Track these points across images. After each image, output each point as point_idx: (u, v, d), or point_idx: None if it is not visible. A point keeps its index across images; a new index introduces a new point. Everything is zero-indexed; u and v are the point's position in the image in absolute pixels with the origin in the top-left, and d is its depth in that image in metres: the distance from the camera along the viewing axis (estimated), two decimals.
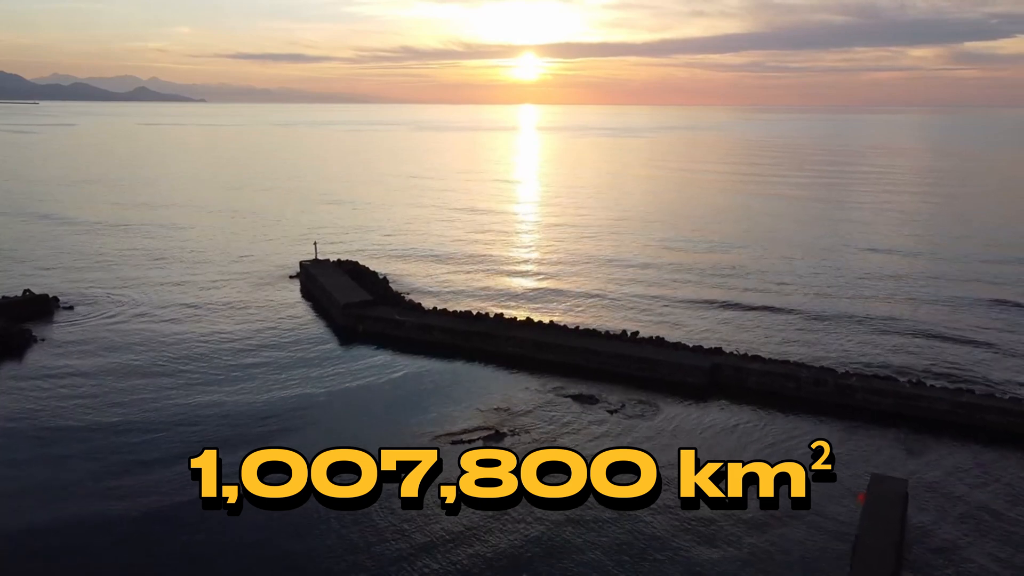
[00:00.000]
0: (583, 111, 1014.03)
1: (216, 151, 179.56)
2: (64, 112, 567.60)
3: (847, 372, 30.62)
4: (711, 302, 43.32)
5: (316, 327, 38.89)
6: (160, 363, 32.59)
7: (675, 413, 28.36)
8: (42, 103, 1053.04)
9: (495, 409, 28.63)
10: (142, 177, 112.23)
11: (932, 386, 29.13)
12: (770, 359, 32.02)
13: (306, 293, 45.68)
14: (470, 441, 25.89)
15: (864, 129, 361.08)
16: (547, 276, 50.28)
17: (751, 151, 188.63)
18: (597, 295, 45.13)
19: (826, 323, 39.28)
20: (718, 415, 28.21)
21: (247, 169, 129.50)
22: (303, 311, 41.81)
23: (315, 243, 51.15)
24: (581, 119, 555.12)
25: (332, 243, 59.52)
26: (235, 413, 27.74)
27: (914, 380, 29.81)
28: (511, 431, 26.61)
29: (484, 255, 56.53)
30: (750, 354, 32.78)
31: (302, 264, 48.86)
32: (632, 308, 42.21)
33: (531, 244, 61.60)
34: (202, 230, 66.62)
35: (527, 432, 26.54)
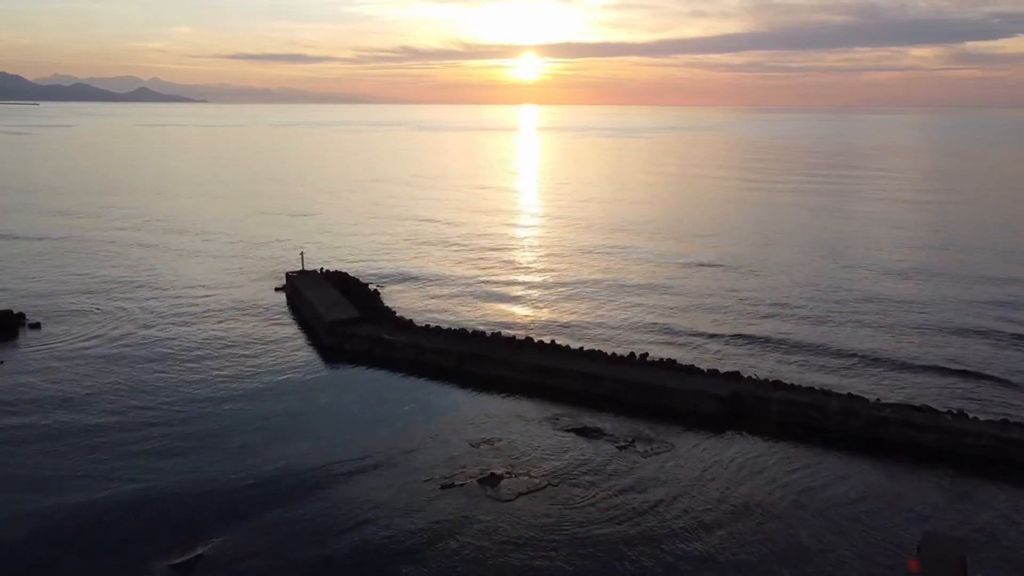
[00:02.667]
0: (583, 111, 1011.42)
1: (213, 153, 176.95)
2: (64, 113, 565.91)
3: (879, 401, 27.78)
4: (724, 321, 40.46)
5: (301, 347, 36.07)
6: (123, 399, 28.85)
7: (692, 449, 25.50)
8: (43, 104, 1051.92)
9: (490, 444, 25.83)
10: (133, 181, 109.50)
11: (975, 418, 26.30)
12: (793, 386, 29.17)
13: (292, 307, 42.91)
14: (462, 484, 23.09)
15: (864, 129, 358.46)
16: (548, 287, 47.44)
17: (753, 152, 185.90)
18: (602, 311, 42.27)
19: (849, 344, 36.36)
20: (740, 451, 25.33)
21: (241, 172, 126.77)
22: (288, 328, 38.97)
23: (302, 253, 48.36)
24: (581, 119, 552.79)
25: (322, 251, 56.82)
26: (199, 474, 23.39)
27: (954, 411, 26.96)
28: (507, 472, 23.78)
29: (482, 266, 53.72)
30: (771, 380, 29.94)
31: (288, 275, 46.06)
32: (640, 326, 39.31)
33: (532, 254, 58.73)
34: (189, 236, 63.87)
35: (526, 474, 23.70)
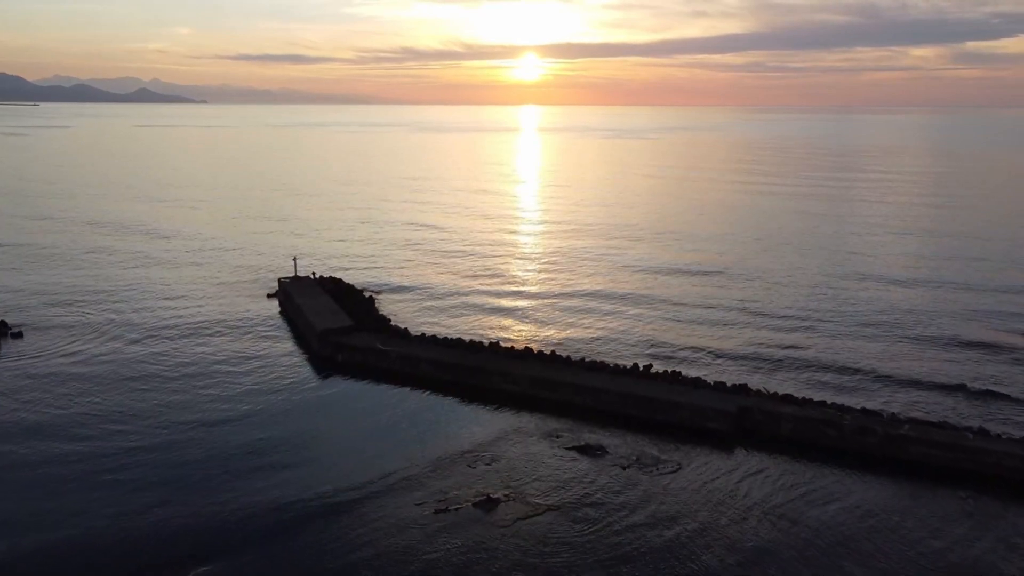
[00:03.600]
0: (584, 112, 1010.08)
1: (211, 155, 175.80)
2: (63, 114, 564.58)
3: (896, 417, 26.50)
4: (729, 330, 39.19)
5: (291, 357, 34.73)
6: (101, 423, 26.79)
7: (699, 470, 24.18)
8: (43, 105, 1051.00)
9: (487, 463, 24.53)
10: (129, 183, 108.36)
11: (997, 436, 25.01)
12: (805, 400, 27.89)
13: (285, 315, 41.63)
14: (457, 508, 21.79)
15: (865, 130, 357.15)
16: (549, 296, 46.09)
17: (754, 153, 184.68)
18: (603, 320, 40.97)
19: (858, 356, 35.02)
20: (750, 473, 23.98)
21: (237, 174, 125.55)
22: (279, 337, 37.66)
23: (294, 258, 47.04)
24: (582, 120, 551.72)
25: (317, 256, 55.56)
26: (174, 507, 21.46)
27: (974, 428, 25.67)
28: (505, 495, 22.46)
29: (481, 273, 52.39)
30: (781, 393, 28.65)
31: (280, 282, 44.78)
32: (642, 336, 37.95)
33: (532, 261, 57.44)
34: (182, 240, 62.58)
35: (524, 498, 22.39)
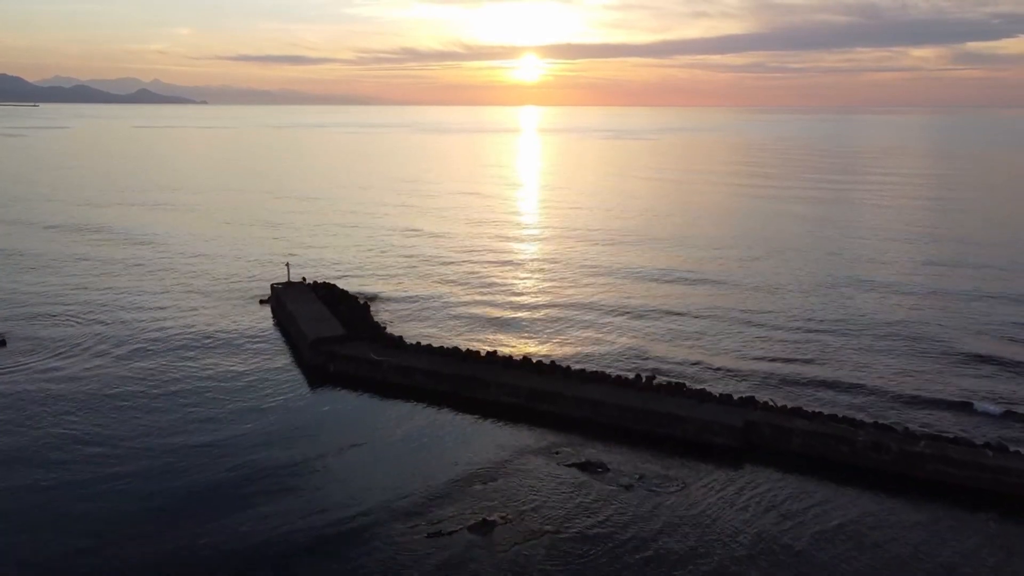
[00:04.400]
0: (584, 112, 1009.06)
1: (209, 156, 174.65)
2: (62, 115, 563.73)
3: (911, 432, 25.36)
4: (736, 340, 38.05)
5: (283, 368, 33.56)
6: (79, 446, 25.30)
7: (705, 489, 23.04)
8: (42, 106, 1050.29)
9: (484, 483, 23.40)
10: (125, 185, 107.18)
11: (1017, 453, 23.89)
12: (816, 413, 26.75)
13: (277, 322, 40.51)
14: (451, 532, 20.67)
15: (866, 130, 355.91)
16: (549, 304, 44.94)
17: (755, 155, 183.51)
18: (604, 328, 39.85)
19: (866, 368, 33.87)
20: (759, 492, 22.85)
21: (233, 177, 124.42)
22: (271, 346, 36.50)
23: (287, 264, 45.88)
24: (582, 121, 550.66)
25: (310, 261, 54.42)
26: (147, 543, 20.38)
27: (993, 444, 24.54)
28: (502, 518, 21.33)
29: (480, 280, 51.19)
30: (789, 407, 27.53)
31: (273, 288, 43.66)
32: (644, 344, 36.84)
33: (532, 269, 56.21)
34: (172, 245, 61.44)
35: (522, 521, 21.25)
